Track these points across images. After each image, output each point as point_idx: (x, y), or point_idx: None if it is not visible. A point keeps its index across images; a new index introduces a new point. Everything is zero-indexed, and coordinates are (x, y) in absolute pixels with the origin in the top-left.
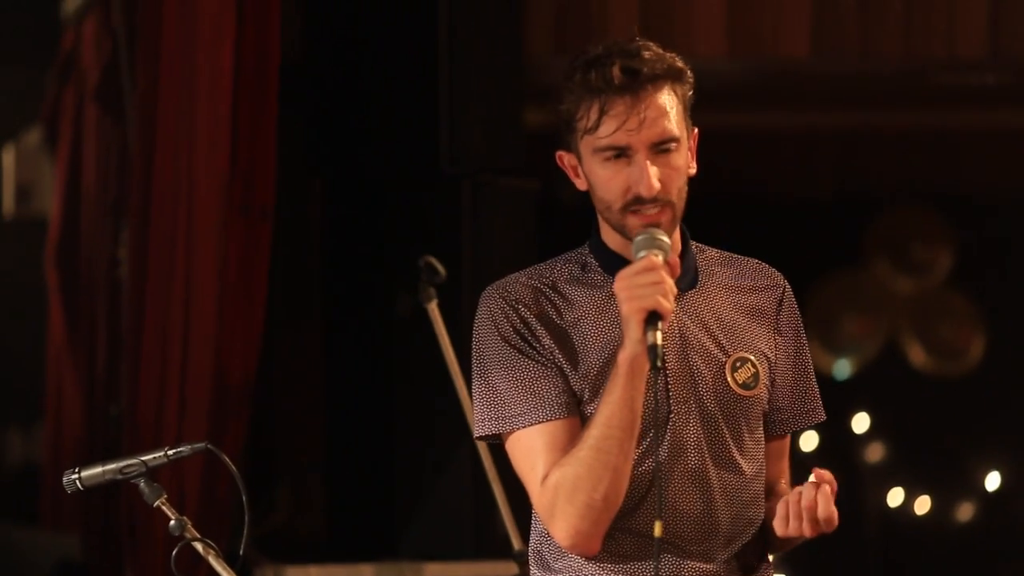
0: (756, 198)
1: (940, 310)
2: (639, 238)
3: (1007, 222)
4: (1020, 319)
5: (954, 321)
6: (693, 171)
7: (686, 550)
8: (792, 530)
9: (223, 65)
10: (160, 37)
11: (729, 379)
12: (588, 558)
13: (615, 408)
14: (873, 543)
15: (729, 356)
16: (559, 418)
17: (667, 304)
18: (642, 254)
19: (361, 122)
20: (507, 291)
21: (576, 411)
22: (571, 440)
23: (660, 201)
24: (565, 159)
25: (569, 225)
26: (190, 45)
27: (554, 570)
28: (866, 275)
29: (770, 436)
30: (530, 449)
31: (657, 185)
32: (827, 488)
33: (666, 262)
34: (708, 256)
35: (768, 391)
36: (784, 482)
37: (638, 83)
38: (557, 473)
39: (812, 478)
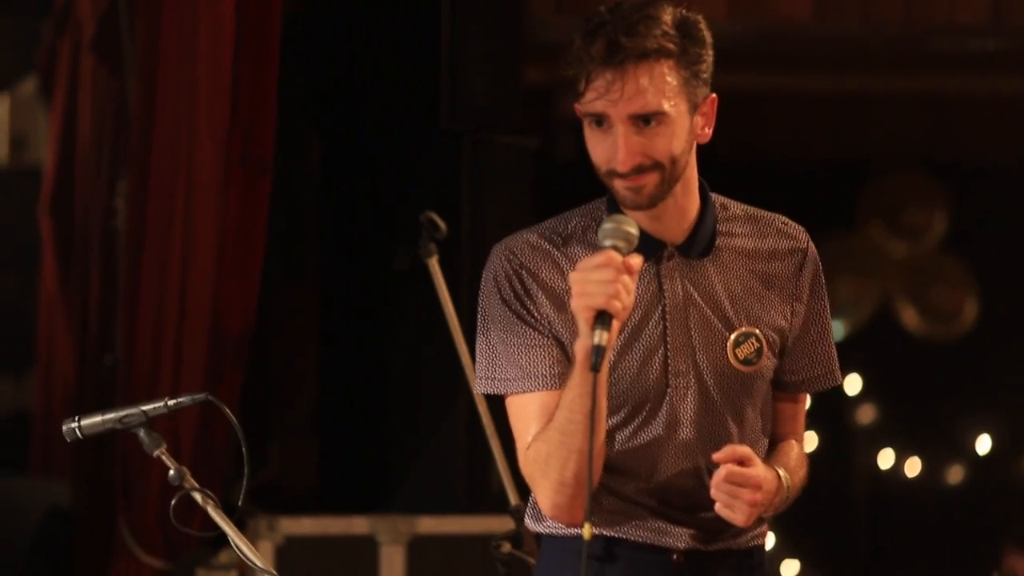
0: (750, 160)
1: (933, 274)
2: (605, 225)
3: (1002, 187)
4: (1012, 284)
5: (947, 285)
6: (705, 138)
7: (674, 518)
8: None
9: (225, 16)
10: None
11: (730, 355)
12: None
13: (575, 395)
14: (863, 504)
15: (733, 330)
16: (549, 389)
17: (617, 304)
18: (607, 243)
19: (362, 76)
20: (514, 252)
21: None
22: None
23: (643, 168)
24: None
25: (567, 182)
26: None
27: (544, 523)
28: (860, 238)
29: (783, 398)
30: (520, 415)
31: (632, 160)
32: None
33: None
34: (731, 214)
35: (776, 361)
36: (793, 441)
37: (620, 59)
38: (533, 448)
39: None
